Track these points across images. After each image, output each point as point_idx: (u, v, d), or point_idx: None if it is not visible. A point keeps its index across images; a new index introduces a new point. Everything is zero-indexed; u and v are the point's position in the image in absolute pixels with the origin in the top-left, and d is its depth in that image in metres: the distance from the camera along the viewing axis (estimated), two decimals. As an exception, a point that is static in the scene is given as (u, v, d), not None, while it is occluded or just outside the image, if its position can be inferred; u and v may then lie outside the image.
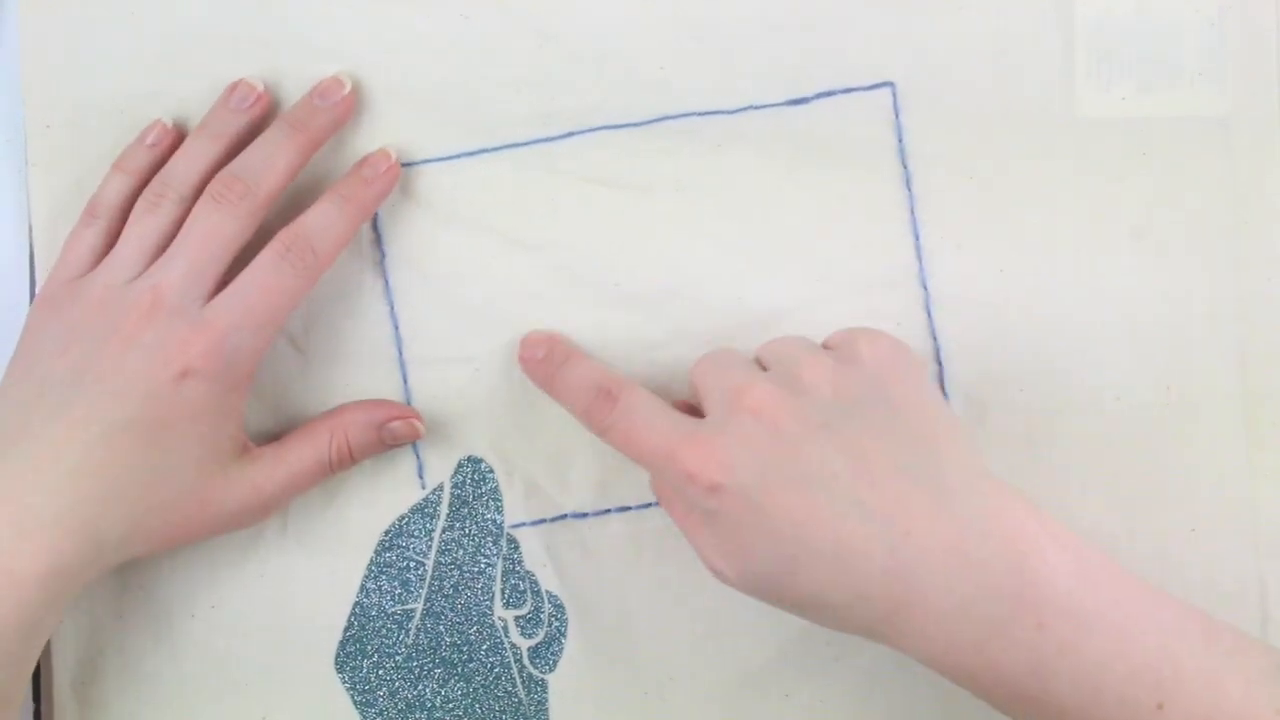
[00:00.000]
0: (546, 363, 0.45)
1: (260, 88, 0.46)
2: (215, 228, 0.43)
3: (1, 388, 0.44)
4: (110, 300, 0.43)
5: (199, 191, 0.44)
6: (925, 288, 0.47)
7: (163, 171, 0.45)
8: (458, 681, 0.47)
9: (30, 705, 0.48)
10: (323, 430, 0.45)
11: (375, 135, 0.47)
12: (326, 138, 0.46)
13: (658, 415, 0.42)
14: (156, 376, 0.42)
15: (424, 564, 0.47)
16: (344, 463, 0.46)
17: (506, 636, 0.47)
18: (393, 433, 0.46)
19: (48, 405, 0.42)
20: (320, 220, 0.44)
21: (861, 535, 0.37)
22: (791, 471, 0.38)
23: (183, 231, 0.44)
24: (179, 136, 0.46)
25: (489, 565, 0.47)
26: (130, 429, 0.42)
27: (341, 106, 0.46)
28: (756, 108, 0.47)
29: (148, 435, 0.42)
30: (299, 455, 0.45)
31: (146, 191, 0.45)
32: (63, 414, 0.42)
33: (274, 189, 0.44)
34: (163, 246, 0.44)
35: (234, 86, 0.46)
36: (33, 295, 0.47)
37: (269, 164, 0.44)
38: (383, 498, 0.47)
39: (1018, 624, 0.36)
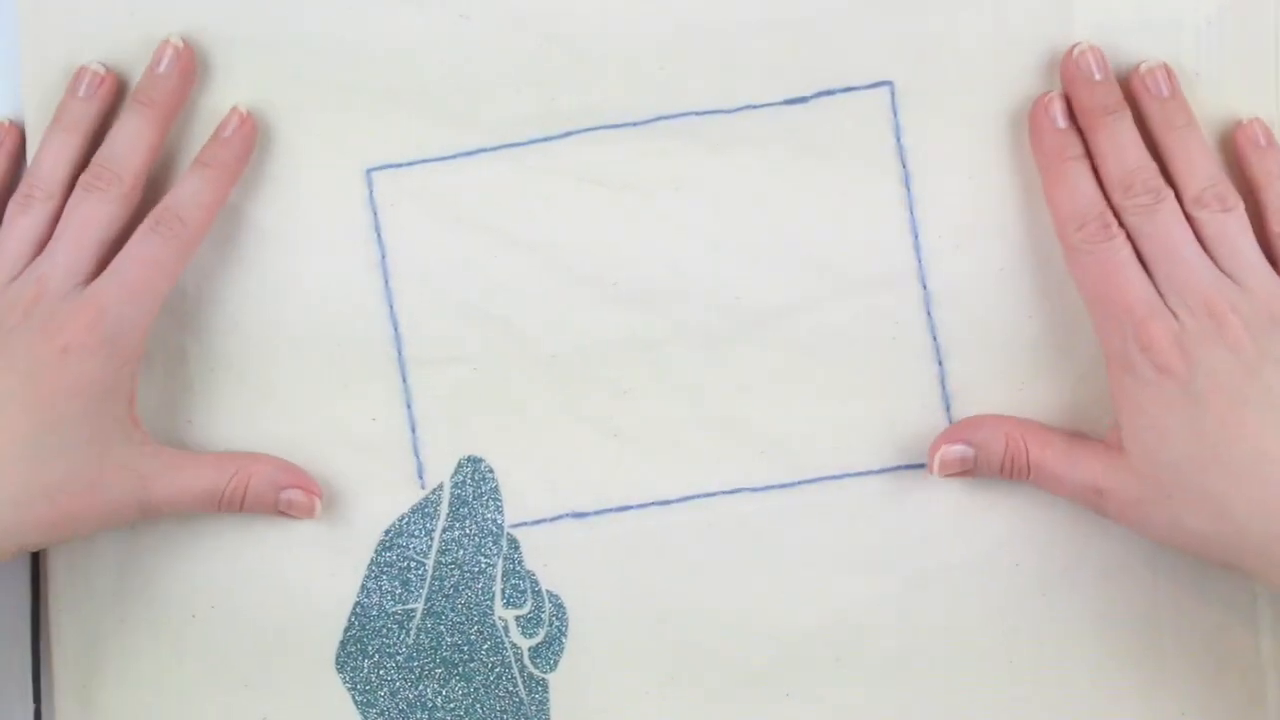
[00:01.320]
0: (1065, 147, 0.45)
1: (103, 70, 0.46)
2: (90, 214, 0.45)
3: None
4: None
5: (66, 186, 0.46)
6: (925, 288, 0.47)
7: (28, 172, 0.46)
8: (459, 681, 0.47)
9: (30, 705, 0.48)
10: (230, 464, 0.45)
11: (375, 135, 0.47)
12: (181, 103, 0.46)
13: (1138, 275, 0.43)
14: (39, 353, 0.43)
15: (424, 564, 0.47)
16: (233, 505, 0.45)
17: (507, 636, 0.47)
18: (288, 500, 0.46)
19: None
20: (185, 190, 0.46)
21: None
22: (1240, 384, 0.41)
23: (60, 224, 0.45)
24: (19, 133, 0.47)
25: (489, 565, 0.47)
26: (13, 405, 0.42)
27: (180, 66, 0.46)
28: (755, 107, 0.47)
29: (33, 411, 0.42)
30: (197, 475, 0.45)
31: (15, 194, 0.46)
32: None
33: (140, 169, 0.46)
34: (39, 244, 0.45)
35: (79, 75, 0.46)
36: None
37: (131, 147, 0.45)
38: (383, 498, 0.47)
39: None
